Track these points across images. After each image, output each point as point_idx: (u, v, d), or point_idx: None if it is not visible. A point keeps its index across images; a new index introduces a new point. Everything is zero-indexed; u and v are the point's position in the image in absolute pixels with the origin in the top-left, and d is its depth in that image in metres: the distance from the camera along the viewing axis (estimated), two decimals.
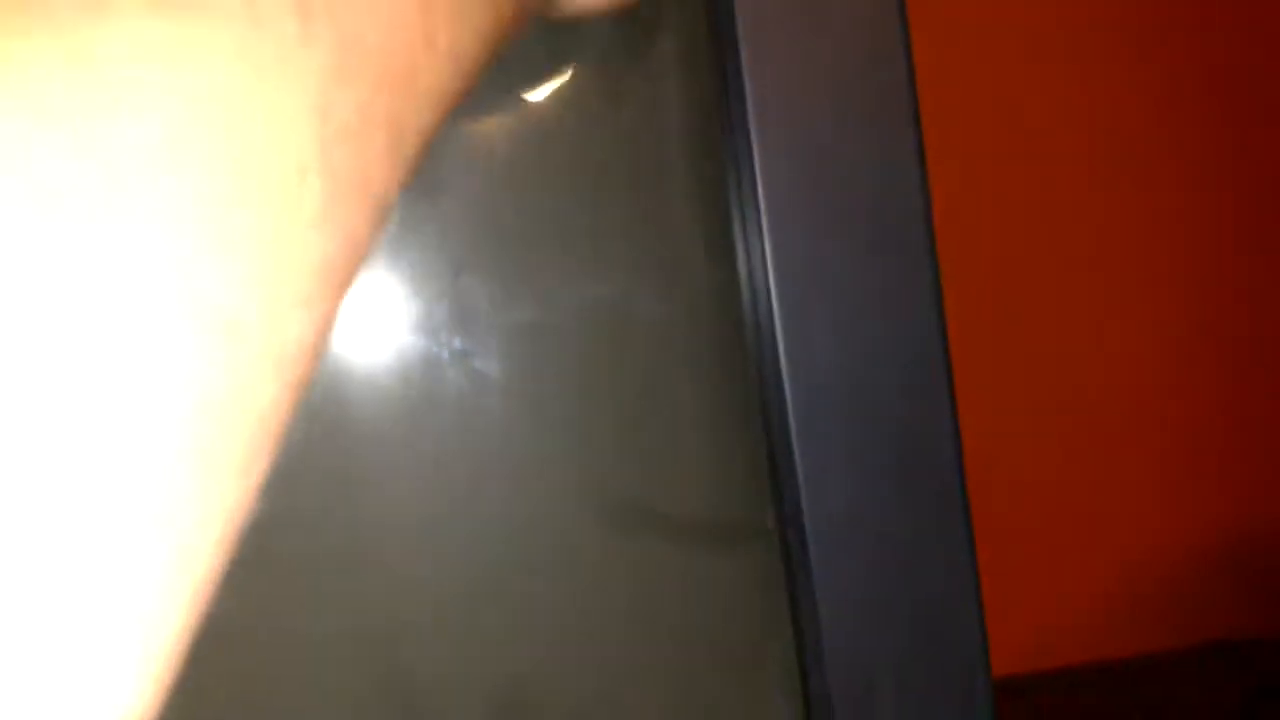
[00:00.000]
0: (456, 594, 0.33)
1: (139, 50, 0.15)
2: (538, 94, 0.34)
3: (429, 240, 0.33)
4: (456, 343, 0.33)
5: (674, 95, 0.34)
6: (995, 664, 1.05)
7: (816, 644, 0.32)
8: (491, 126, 0.34)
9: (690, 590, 0.33)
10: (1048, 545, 0.96)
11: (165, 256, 0.15)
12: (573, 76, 0.34)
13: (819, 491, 0.31)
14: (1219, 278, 1.00)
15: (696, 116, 0.34)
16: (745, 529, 0.34)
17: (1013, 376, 0.96)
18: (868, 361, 0.32)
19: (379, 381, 0.33)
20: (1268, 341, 1.01)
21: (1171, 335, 0.99)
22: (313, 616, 0.33)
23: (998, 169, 0.96)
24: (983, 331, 0.96)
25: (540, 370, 0.34)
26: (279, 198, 0.16)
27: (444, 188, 0.33)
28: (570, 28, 0.32)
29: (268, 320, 0.16)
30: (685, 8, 0.34)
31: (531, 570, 0.32)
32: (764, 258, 0.32)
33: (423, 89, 0.19)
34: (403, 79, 0.19)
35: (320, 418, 0.32)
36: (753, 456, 0.34)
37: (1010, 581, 0.94)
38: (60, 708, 0.14)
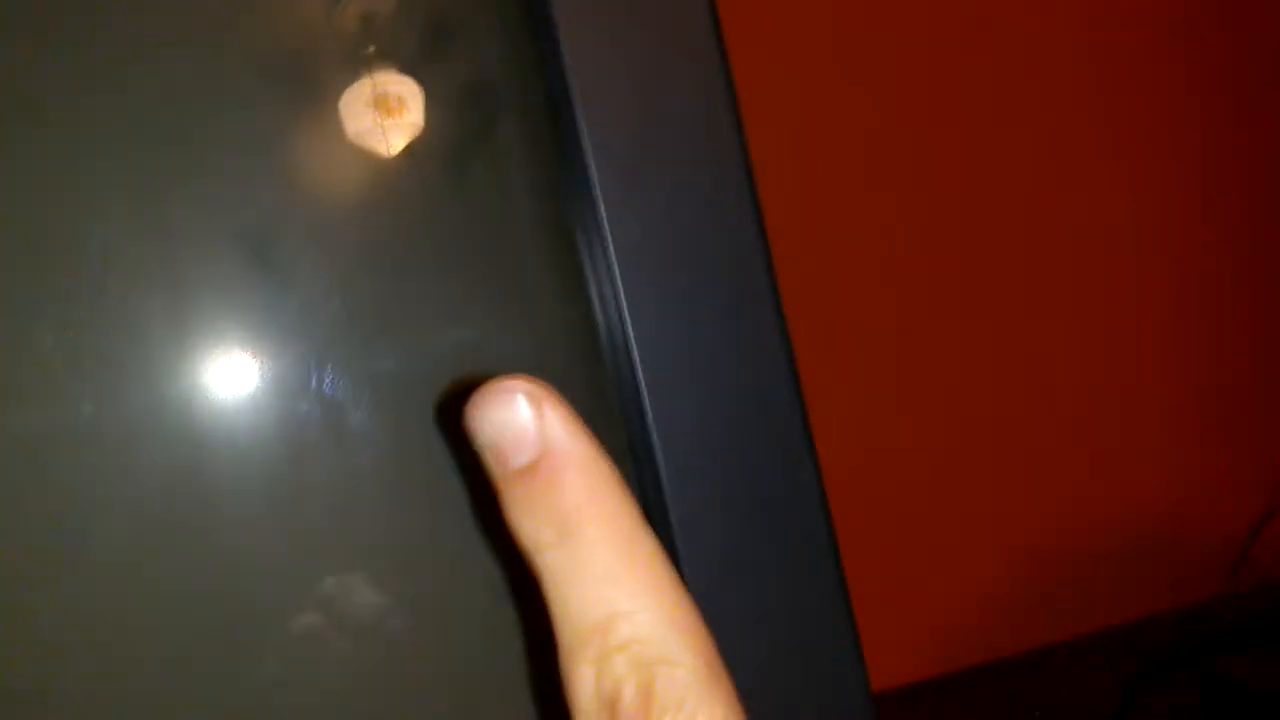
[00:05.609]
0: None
1: None
2: (391, 175, 0.35)
3: (297, 302, 0.33)
4: (327, 391, 0.33)
5: (520, 169, 0.35)
6: (895, 673, 1.05)
7: None
8: (348, 205, 0.34)
9: None
10: (939, 545, 0.97)
11: None
12: (423, 159, 0.34)
13: (691, 531, 0.32)
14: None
15: (543, 195, 0.35)
16: None
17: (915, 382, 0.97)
18: (723, 386, 0.32)
19: (250, 441, 0.32)
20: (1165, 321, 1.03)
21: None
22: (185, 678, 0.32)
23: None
24: (879, 313, 0.95)
25: (402, 416, 0.33)
26: None
27: (306, 262, 0.33)
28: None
29: None
30: (525, 93, 0.35)
31: (410, 617, 0.32)
32: (616, 294, 0.33)
33: None
34: None
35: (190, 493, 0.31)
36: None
37: (905, 590, 0.95)
38: None
